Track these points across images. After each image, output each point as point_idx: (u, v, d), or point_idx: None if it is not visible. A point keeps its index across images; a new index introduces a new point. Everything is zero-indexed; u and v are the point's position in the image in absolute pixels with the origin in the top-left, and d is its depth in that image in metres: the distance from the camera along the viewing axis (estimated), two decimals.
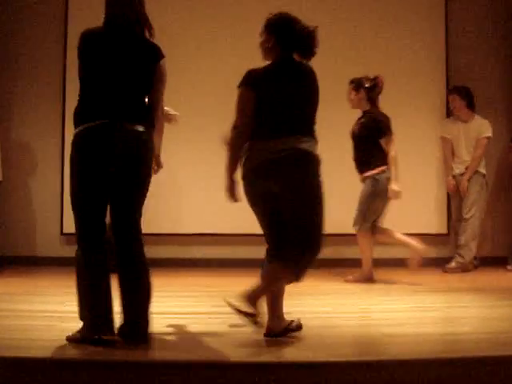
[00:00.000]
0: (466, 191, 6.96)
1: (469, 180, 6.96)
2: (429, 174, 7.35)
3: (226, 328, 3.97)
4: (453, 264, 6.93)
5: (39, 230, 7.28)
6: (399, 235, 6.16)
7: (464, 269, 6.87)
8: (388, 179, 5.98)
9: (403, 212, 7.17)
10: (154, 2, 7.00)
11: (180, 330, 4.00)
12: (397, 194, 6.00)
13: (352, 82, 6.13)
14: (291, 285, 5.71)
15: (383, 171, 6.01)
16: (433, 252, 7.25)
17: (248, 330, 3.81)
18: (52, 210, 7.20)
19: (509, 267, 6.96)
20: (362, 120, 6.08)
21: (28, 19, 7.31)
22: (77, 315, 3.69)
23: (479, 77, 7.39)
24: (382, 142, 6.02)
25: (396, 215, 7.14)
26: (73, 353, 3.44)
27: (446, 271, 6.88)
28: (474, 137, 7.05)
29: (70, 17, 7.25)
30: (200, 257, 7.14)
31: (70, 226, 6.97)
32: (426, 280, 6.28)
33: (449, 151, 7.23)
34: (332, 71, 7.00)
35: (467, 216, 6.99)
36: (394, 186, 5.95)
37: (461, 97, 7.07)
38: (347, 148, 6.38)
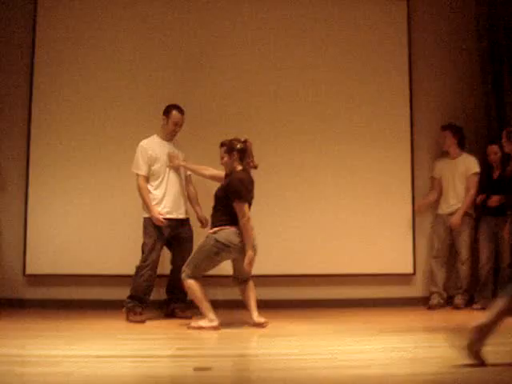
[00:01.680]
0: (458, 227, 7.07)
1: (461, 217, 7.09)
2: (395, 212, 7.37)
3: (190, 371, 3.90)
4: (460, 301, 7.06)
5: (0, 270, 7.12)
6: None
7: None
8: (217, 240, 5.70)
9: (369, 251, 7.20)
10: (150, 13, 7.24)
11: (144, 373, 3.92)
12: (250, 262, 5.77)
13: (223, 144, 5.98)
14: (257, 327, 5.73)
15: (216, 231, 5.76)
16: (399, 292, 7.30)
17: (213, 374, 3.76)
18: (15, 250, 7.07)
19: (475, 306, 6.98)
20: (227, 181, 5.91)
21: None
22: (39, 359, 3.60)
23: (444, 112, 7.46)
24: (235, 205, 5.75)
25: (362, 255, 7.19)
26: None
27: (456, 308, 6.99)
28: (461, 173, 7.14)
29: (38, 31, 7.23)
30: (160, 298, 7.02)
31: (32, 266, 6.96)
32: (393, 320, 6.27)
33: (433, 190, 7.35)
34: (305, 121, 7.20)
35: (465, 257, 7.10)
36: (249, 252, 5.72)
37: (452, 134, 7.16)
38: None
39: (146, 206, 6.26)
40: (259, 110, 7.26)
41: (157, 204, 6.27)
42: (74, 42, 7.23)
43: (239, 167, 5.88)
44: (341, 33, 7.48)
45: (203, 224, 6.51)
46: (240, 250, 5.73)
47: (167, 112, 6.42)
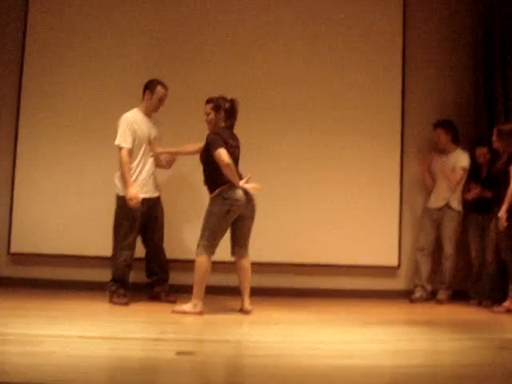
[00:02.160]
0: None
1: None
2: (382, 205, 7.37)
3: (172, 355, 3.89)
4: (443, 296, 7.08)
5: None
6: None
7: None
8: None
9: (355, 243, 7.21)
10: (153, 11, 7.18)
11: (126, 355, 3.91)
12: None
13: (210, 101, 5.88)
14: (242, 314, 5.73)
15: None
16: (384, 284, 7.32)
17: (195, 358, 3.76)
18: (0, 228, 7.04)
19: (471, 301, 7.02)
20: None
21: None
22: (21, 338, 3.58)
23: (435, 107, 7.46)
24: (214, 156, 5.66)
25: (347, 246, 7.20)
26: (9, 378, 3.32)
27: (439, 302, 7.00)
28: (448, 168, 7.16)
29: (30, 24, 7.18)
30: (146, 281, 7.00)
31: (17, 245, 6.93)
32: (376, 312, 6.29)
33: (427, 183, 7.35)
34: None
35: (449, 252, 7.13)
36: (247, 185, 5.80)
37: (445, 131, 7.16)
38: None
39: (125, 182, 6.04)
40: (250, 100, 7.21)
41: (134, 181, 6.10)
42: (59, 21, 7.17)
43: (223, 125, 5.85)
44: (334, 26, 7.43)
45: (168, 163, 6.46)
46: (245, 204, 5.74)
47: (152, 87, 6.26)
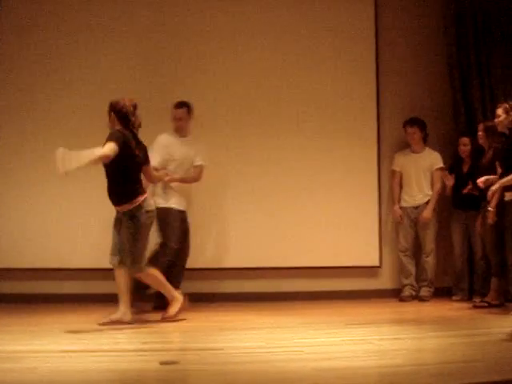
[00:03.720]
0: (427, 222, 7.15)
1: (431, 211, 7.18)
2: (361, 206, 7.39)
3: (156, 365, 3.87)
4: (426, 293, 7.13)
5: None
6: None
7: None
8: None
9: (335, 245, 7.23)
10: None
11: (109, 368, 3.88)
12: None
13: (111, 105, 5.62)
14: (224, 319, 5.72)
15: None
16: (365, 284, 7.34)
17: (179, 367, 3.75)
18: None
19: (454, 297, 7.07)
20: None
21: None
22: (3, 354, 3.54)
23: (413, 111, 7.48)
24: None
25: (328, 248, 7.21)
26: None
27: (422, 300, 7.05)
28: (425, 168, 7.22)
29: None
30: None
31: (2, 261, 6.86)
32: (359, 312, 6.31)
33: (396, 184, 7.38)
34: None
35: (429, 249, 7.17)
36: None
37: (421, 129, 7.21)
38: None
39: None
40: (225, 104, 7.22)
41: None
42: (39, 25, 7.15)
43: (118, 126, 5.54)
44: (307, 28, 7.47)
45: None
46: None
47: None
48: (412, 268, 7.22)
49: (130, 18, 7.20)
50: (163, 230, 6.37)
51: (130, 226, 5.44)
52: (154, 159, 6.13)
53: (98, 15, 7.19)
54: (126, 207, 5.47)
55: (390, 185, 7.45)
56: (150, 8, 7.24)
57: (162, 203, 6.36)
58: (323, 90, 7.41)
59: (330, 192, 7.33)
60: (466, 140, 7.10)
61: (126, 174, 5.49)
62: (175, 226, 6.41)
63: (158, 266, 5.85)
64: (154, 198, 6.21)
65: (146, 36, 7.20)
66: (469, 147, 7.07)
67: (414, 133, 7.24)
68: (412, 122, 7.26)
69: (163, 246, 6.36)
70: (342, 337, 4.94)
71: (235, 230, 6.82)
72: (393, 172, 7.42)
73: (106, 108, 5.61)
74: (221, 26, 7.32)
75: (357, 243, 7.32)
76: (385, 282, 7.42)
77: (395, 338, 4.85)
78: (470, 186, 6.86)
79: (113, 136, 5.39)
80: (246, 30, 7.39)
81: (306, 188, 7.30)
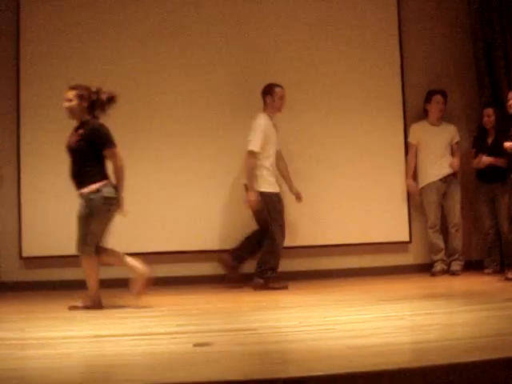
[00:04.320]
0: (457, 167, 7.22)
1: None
2: (389, 182, 7.36)
3: (190, 347, 3.90)
4: (457, 267, 7.11)
5: None
6: (123, 257, 5.66)
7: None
8: (105, 198, 5.45)
9: (365, 221, 7.21)
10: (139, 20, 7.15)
11: (144, 352, 3.92)
12: (124, 213, 5.62)
13: (75, 88, 5.62)
14: (256, 299, 5.74)
15: (99, 189, 5.46)
16: (396, 260, 7.32)
17: (213, 349, 3.76)
18: (10, 233, 7.05)
19: (486, 271, 7.03)
20: (81, 131, 5.57)
21: None
22: (38, 341, 3.58)
23: (437, 83, 7.41)
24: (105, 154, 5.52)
25: (358, 225, 7.20)
26: (32, 381, 3.33)
27: (454, 274, 7.04)
28: (448, 140, 7.21)
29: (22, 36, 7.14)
30: (157, 275, 7.00)
31: (28, 249, 6.94)
32: (391, 288, 6.29)
33: (412, 157, 7.34)
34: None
35: (458, 223, 7.18)
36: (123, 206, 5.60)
37: (444, 100, 7.20)
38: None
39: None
40: (250, 78, 7.22)
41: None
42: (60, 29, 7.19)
43: (87, 116, 5.58)
44: (330, 7, 7.43)
45: (299, 198, 6.88)
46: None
47: (269, 91, 6.70)
48: (442, 243, 7.18)
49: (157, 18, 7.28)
50: (270, 213, 6.55)
51: (83, 209, 5.45)
52: (257, 144, 6.47)
53: (123, 14, 7.25)
54: (84, 191, 5.47)
55: (406, 158, 7.38)
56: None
57: (267, 187, 6.57)
58: (348, 66, 7.39)
59: (358, 168, 7.31)
60: (490, 111, 7.03)
61: (86, 159, 5.49)
62: (280, 208, 6.63)
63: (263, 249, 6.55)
64: (259, 182, 6.52)
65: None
66: (493, 118, 7.00)
67: (443, 102, 7.19)
68: (438, 91, 7.23)
69: (272, 229, 6.55)
70: (375, 313, 4.93)
71: None
72: (409, 144, 7.35)
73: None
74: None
75: (386, 219, 7.31)
76: (415, 257, 7.40)
77: (427, 313, 4.83)
78: (491, 159, 6.83)
79: (112, 139, 5.50)
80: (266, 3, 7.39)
81: (333, 166, 7.28)
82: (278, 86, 6.73)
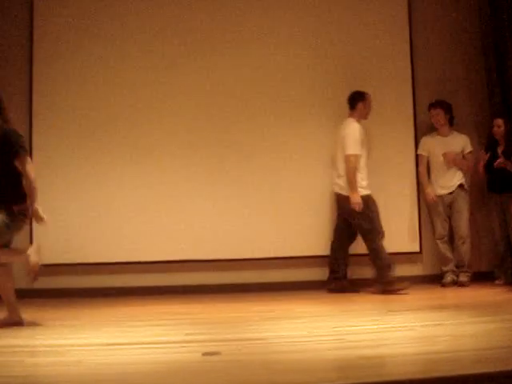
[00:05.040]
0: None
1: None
2: (401, 192, 7.36)
3: (199, 356, 3.90)
4: (465, 279, 7.06)
5: None
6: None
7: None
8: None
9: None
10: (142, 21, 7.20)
11: (153, 360, 3.93)
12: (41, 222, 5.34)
13: None
14: (265, 309, 5.74)
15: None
16: (406, 270, 7.29)
17: (222, 358, 3.77)
18: (21, 241, 7.06)
19: (497, 281, 7.02)
20: None
21: None
22: (48, 348, 3.60)
23: (447, 91, 7.41)
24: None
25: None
26: None
27: (462, 285, 6.99)
28: (457, 151, 7.16)
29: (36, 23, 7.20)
30: (167, 284, 7.04)
31: (45, 256, 6.94)
32: (400, 299, 6.28)
33: (424, 169, 7.31)
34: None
35: (464, 235, 7.11)
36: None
37: (445, 112, 7.16)
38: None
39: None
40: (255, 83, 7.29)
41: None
42: (73, 27, 7.24)
43: None
44: (342, 12, 7.47)
45: None
46: None
47: (362, 97, 6.89)
48: (450, 254, 7.16)
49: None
50: (366, 215, 6.69)
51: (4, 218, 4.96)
52: (356, 147, 6.67)
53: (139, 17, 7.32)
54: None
55: (418, 171, 7.36)
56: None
57: (361, 191, 6.71)
58: (359, 77, 7.37)
59: (371, 177, 7.30)
60: (500, 121, 7.03)
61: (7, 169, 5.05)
62: (375, 209, 6.79)
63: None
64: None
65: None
66: (503, 128, 7.00)
67: (438, 114, 7.19)
68: (435, 104, 7.22)
69: (371, 231, 6.70)
70: (384, 324, 4.93)
71: (273, 220, 6.88)
72: (419, 156, 7.35)
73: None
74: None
75: (397, 230, 7.28)
76: (426, 267, 7.38)
77: (436, 324, 4.83)
78: (501, 159, 6.81)
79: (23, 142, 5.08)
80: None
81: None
82: (367, 93, 6.93)
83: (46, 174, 6.99)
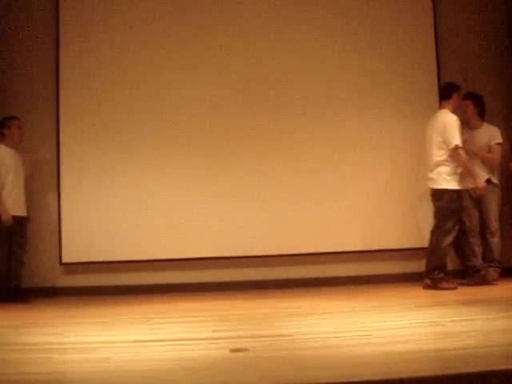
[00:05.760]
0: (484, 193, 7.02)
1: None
2: (422, 186, 7.31)
3: (226, 353, 3.91)
4: (494, 273, 7.01)
5: (37, 260, 7.17)
6: None
7: None
8: None
9: (401, 227, 7.15)
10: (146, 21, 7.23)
11: (180, 357, 3.94)
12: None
13: None
14: (292, 305, 5.74)
15: None
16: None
17: (250, 355, 3.77)
18: (50, 239, 7.14)
19: None
20: None
21: (20, 25, 7.35)
22: (76, 346, 3.63)
23: (475, 85, 7.35)
24: None
25: (394, 230, 7.15)
26: None
27: (490, 280, 6.90)
28: (483, 143, 7.08)
29: (62, 21, 7.27)
30: (193, 281, 7.06)
31: (68, 255, 7.02)
32: (428, 294, 6.24)
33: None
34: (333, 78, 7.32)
35: (494, 229, 7.06)
36: None
37: (474, 104, 7.08)
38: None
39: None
40: (278, 78, 7.30)
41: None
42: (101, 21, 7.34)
43: None
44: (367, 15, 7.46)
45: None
46: None
47: (457, 88, 6.83)
48: (478, 249, 7.08)
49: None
50: (446, 210, 6.64)
51: None
52: (458, 136, 6.55)
53: (164, 15, 7.36)
54: None
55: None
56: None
57: (446, 185, 6.65)
58: (384, 69, 7.36)
59: (395, 174, 7.26)
60: None
61: None
62: (456, 207, 6.71)
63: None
64: (439, 180, 6.66)
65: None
66: None
67: (467, 106, 7.10)
68: (465, 95, 7.11)
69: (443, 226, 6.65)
70: (412, 319, 4.90)
71: (301, 214, 6.88)
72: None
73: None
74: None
75: (423, 224, 7.23)
76: (453, 262, 7.31)
77: (466, 320, 4.78)
78: None
79: None
80: None
81: (369, 170, 7.25)
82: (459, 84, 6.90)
83: (70, 174, 7.05)
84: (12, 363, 3.83)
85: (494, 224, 7.06)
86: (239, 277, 7.05)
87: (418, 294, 6.31)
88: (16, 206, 6.76)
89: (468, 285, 6.64)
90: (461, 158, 6.58)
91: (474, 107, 7.09)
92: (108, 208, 7.11)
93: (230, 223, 7.11)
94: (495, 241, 7.06)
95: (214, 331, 4.70)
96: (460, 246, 6.85)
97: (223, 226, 7.10)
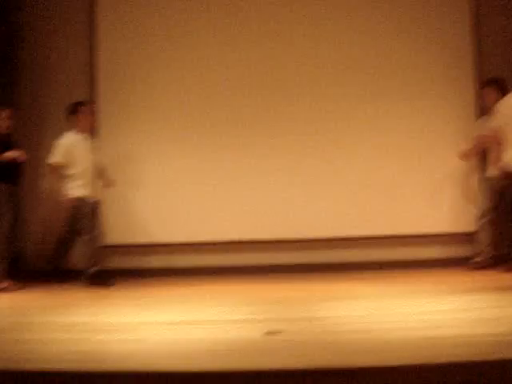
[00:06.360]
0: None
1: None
2: (458, 173, 7.26)
3: (261, 335, 3.94)
4: None
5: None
6: None
7: None
8: None
9: (436, 211, 7.13)
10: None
11: (215, 339, 3.98)
12: None
13: None
14: (326, 289, 5.76)
15: None
16: (463, 251, 7.17)
17: (284, 337, 3.80)
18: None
19: None
20: None
21: (55, 26, 7.43)
22: (113, 327, 3.69)
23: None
24: None
25: (426, 216, 7.12)
26: (106, 366, 3.43)
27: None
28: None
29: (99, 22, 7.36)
30: (231, 264, 7.11)
31: (110, 237, 7.08)
32: (462, 280, 6.22)
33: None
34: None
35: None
36: None
37: (497, 90, 6.79)
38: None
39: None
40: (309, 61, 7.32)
41: None
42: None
43: None
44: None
45: None
46: None
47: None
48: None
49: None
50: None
51: None
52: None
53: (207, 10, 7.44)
54: None
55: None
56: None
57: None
58: (421, 59, 7.34)
59: (430, 158, 7.22)
60: None
61: None
62: None
63: None
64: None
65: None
66: None
67: (489, 94, 6.86)
68: (487, 82, 6.91)
69: None
70: (446, 305, 4.89)
71: (322, 197, 6.94)
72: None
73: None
74: None
75: (454, 209, 7.19)
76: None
77: (500, 306, 4.77)
78: None
79: None
80: None
81: (405, 155, 7.23)
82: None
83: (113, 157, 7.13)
84: (43, 343, 3.91)
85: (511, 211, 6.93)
86: (274, 260, 7.08)
87: (449, 279, 6.28)
88: (88, 191, 6.68)
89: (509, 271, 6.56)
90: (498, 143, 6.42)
91: (497, 94, 6.78)
92: (152, 191, 7.18)
93: (265, 207, 7.12)
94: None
95: (248, 313, 4.74)
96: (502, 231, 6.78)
97: (261, 208, 7.13)
